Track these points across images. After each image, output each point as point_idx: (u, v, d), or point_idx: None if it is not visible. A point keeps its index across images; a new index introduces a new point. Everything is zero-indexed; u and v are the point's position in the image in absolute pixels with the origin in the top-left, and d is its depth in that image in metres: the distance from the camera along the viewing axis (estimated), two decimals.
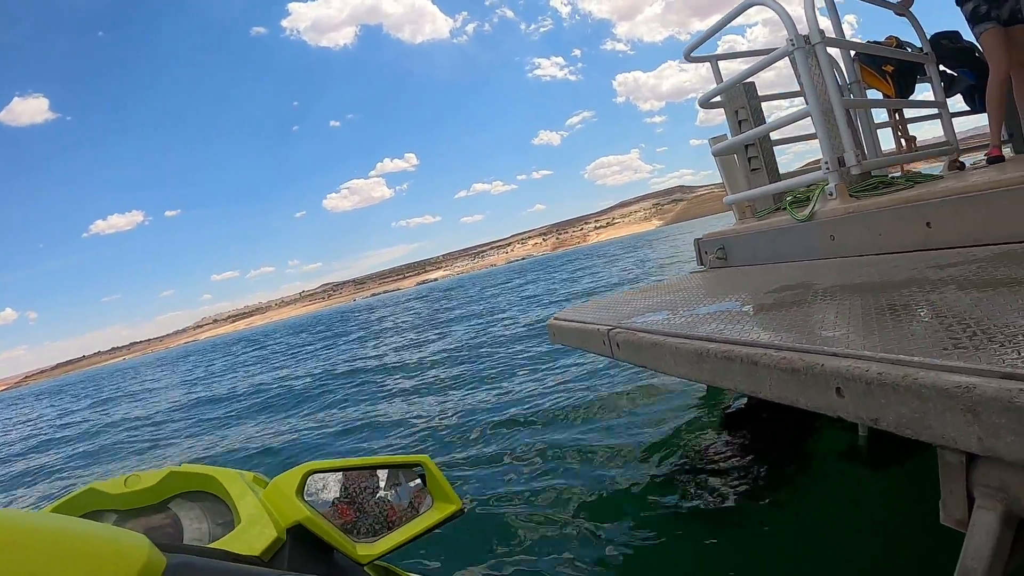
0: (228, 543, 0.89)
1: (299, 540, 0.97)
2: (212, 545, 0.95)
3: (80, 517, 0.84)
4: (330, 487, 1.17)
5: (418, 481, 1.23)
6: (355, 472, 1.20)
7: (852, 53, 5.09)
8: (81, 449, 11.89)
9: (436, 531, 1.15)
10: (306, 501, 1.06)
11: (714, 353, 2.09)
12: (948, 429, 1.32)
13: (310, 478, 1.12)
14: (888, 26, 5.43)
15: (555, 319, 3.96)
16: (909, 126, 5.62)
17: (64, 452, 12.06)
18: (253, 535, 0.91)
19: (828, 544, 2.91)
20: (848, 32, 5.21)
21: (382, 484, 1.22)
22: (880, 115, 5.60)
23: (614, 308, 3.72)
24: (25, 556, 0.39)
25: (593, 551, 3.41)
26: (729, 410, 4.55)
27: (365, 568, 1.06)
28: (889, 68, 5.06)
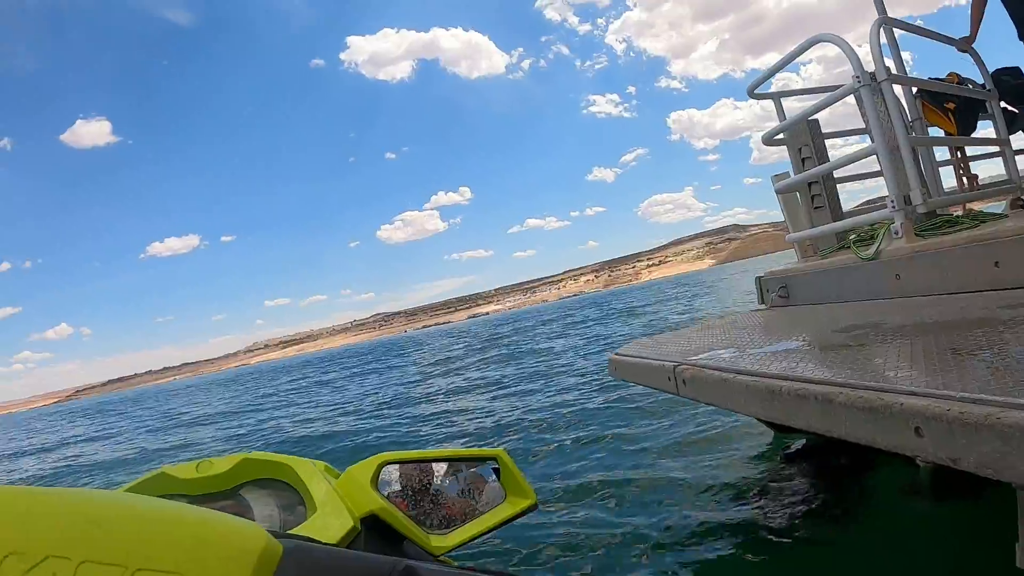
0: (304, 531, 0.88)
1: (373, 530, 0.97)
2: (288, 533, 0.99)
3: None
4: (404, 478, 1.18)
5: (493, 475, 1.22)
6: (429, 463, 1.22)
7: (914, 90, 5.06)
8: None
9: (509, 525, 1.15)
10: (380, 491, 1.06)
11: (787, 391, 2.07)
12: None
13: (384, 468, 1.12)
14: (945, 62, 5.42)
15: (616, 354, 3.94)
16: (971, 163, 5.55)
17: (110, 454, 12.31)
18: (329, 524, 0.91)
19: None
20: (906, 68, 5.19)
21: (457, 476, 1.22)
22: (941, 152, 5.55)
23: (677, 344, 3.71)
24: (146, 540, 0.41)
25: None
26: (788, 450, 4.50)
27: (439, 559, 1.05)
28: (951, 105, 5.01)
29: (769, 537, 3.56)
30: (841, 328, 3.05)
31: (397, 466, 1.17)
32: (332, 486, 1.03)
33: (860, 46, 4.16)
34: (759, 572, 3.27)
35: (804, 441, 4.51)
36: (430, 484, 1.18)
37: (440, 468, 1.21)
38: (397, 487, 1.16)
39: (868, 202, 4.27)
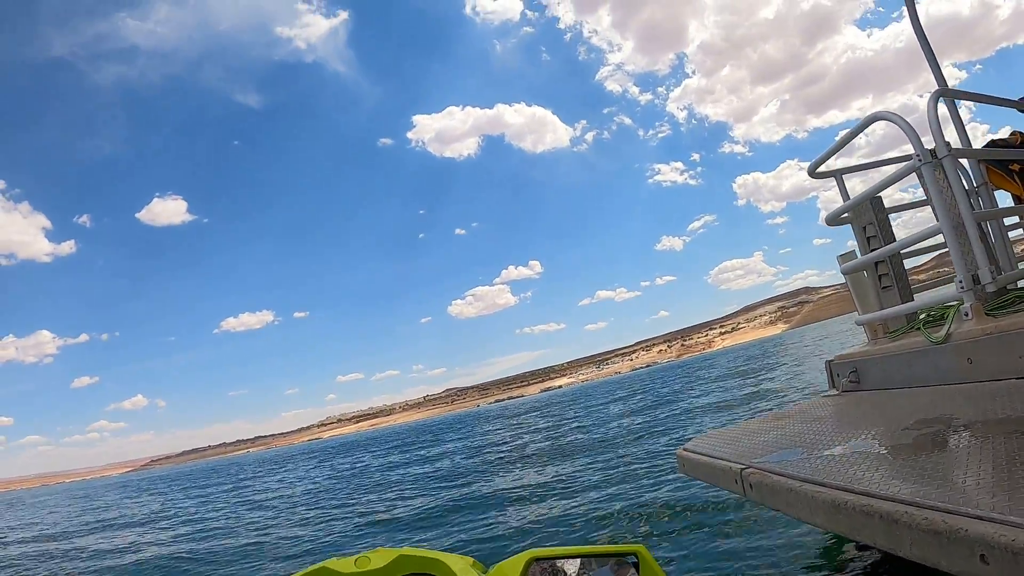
0: None
1: None
2: None
3: None
4: (551, 573, 1.21)
5: (633, 570, 1.24)
6: (574, 559, 1.24)
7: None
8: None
9: None
10: None
11: (852, 506, 2.05)
12: None
13: (533, 565, 1.17)
14: (1010, 116, 5.33)
15: (684, 450, 3.92)
16: None
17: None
18: None
19: None
20: (965, 116, 5.13)
21: (599, 572, 1.24)
22: (1012, 218, 5.43)
23: (745, 440, 3.68)
24: None
25: None
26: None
27: None
28: (1016, 167, 4.92)
29: None
30: (911, 424, 2.98)
31: (545, 562, 1.20)
32: None
33: (921, 95, 4.13)
34: None
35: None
36: None
37: (584, 564, 1.24)
38: None
39: (941, 256, 4.16)
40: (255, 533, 12.76)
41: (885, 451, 2.68)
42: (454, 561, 1.14)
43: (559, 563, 1.22)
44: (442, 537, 8.81)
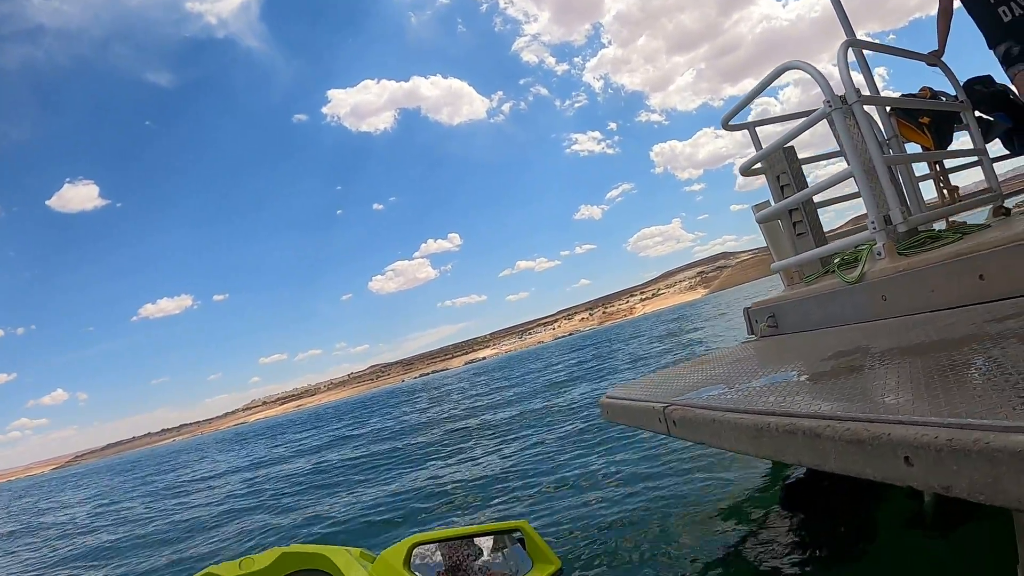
0: None
1: None
2: None
3: None
4: (434, 557, 1.20)
5: (518, 545, 1.26)
6: (457, 541, 1.24)
7: (888, 108, 5.08)
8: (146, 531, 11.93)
9: None
10: (413, 573, 1.11)
11: (774, 427, 2.03)
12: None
13: (415, 550, 1.16)
14: (920, 75, 5.45)
15: (607, 397, 3.90)
16: (950, 175, 5.56)
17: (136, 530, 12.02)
18: None
19: None
20: (880, 84, 5.22)
21: (483, 550, 1.25)
22: (921, 167, 5.57)
23: (667, 383, 3.68)
24: None
25: None
26: (789, 481, 4.43)
27: None
28: (925, 120, 5.03)
29: None
30: (829, 356, 3.01)
31: (427, 547, 1.21)
32: (367, 572, 1.10)
33: (835, 64, 4.18)
34: None
35: (805, 470, 4.45)
36: (460, 561, 1.22)
37: (468, 545, 1.25)
38: (429, 567, 1.19)
39: (856, 219, 4.26)
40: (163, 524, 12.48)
41: (805, 379, 2.70)
42: (337, 554, 1.14)
43: (443, 546, 1.24)
44: (339, 528, 8.69)
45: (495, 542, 1.26)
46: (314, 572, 1.13)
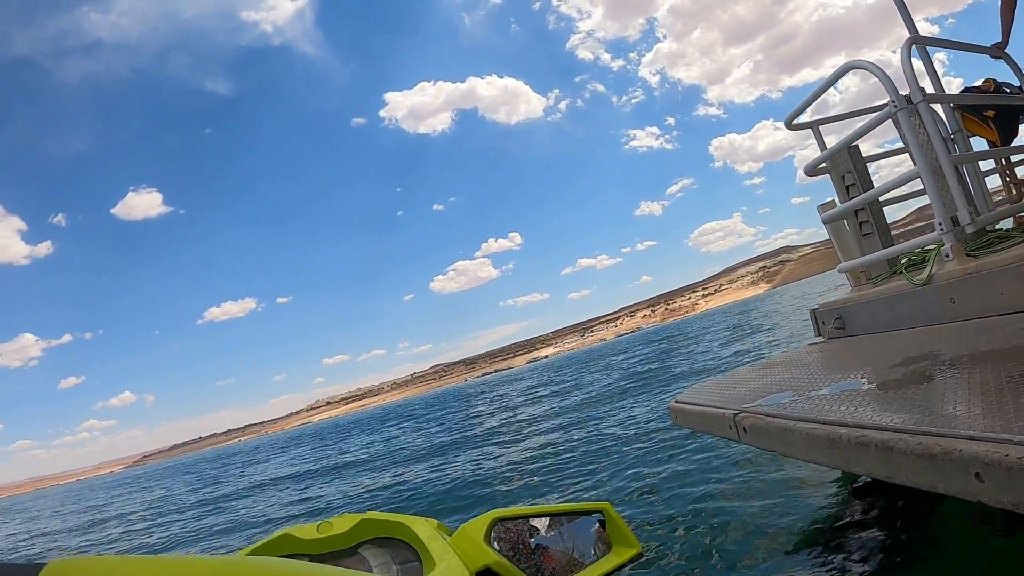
0: None
1: None
2: None
3: None
4: (516, 533, 1.21)
5: (599, 527, 1.26)
6: (539, 519, 1.25)
7: (951, 104, 5.02)
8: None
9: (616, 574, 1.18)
10: (493, 547, 1.11)
11: (847, 439, 2.08)
12: None
13: (497, 525, 1.17)
14: (981, 64, 5.38)
15: (676, 402, 3.95)
16: (1016, 170, 5.45)
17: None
18: None
19: None
20: (940, 70, 5.14)
21: (565, 530, 1.25)
22: (986, 161, 5.48)
23: (736, 388, 3.72)
24: None
25: None
26: (856, 484, 4.43)
27: None
28: (990, 113, 4.96)
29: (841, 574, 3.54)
30: (898, 362, 3.02)
31: (509, 522, 1.21)
32: (447, 543, 1.09)
33: (894, 51, 4.14)
34: None
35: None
36: (541, 539, 1.22)
37: (550, 523, 1.25)
38: (509, 542, 1.19)
39: (920, 210, 4.20)
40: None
41: (875, 387, 2.72)
42: (418, 524, 1.15)
43: (524, 522, 1.23)
44: (415, 503, 8.93)
45: (577, 522, 1.26)
46: (393, 540, 1.15)
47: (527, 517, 1.23)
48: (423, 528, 1.14)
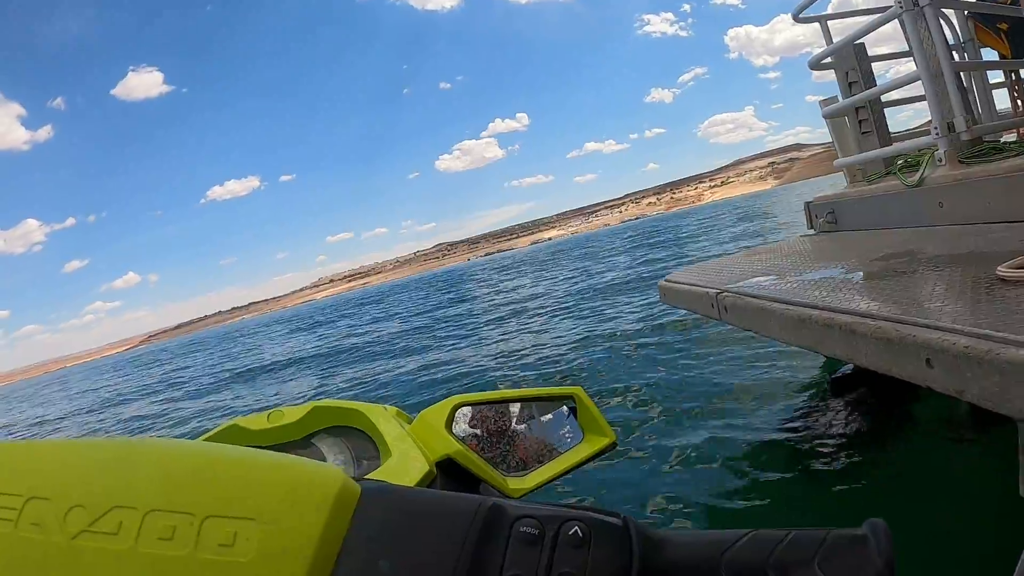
0: (380, 476, 0.83)
1: (449, 474, 0.94)
2: (364, 477, 1.00)
3: None
4: (479, 420, 1.13)
5: (569, 413, 1.16)
6: (504, 404, 1.17)
7: (965, 11, 4.95)
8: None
9: (587, 465, 1.11)
10: (454, 434, 1.02)
11: (815, 320, 2.22)
12: None
13: (458, 411, 1.08)
14: None
15: (665, 280, 4.10)
16: None
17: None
18: (405, 468, 0.88)
19: (911, 502, 3.01)
20: None
21: (532, 416, 1.17)
22: (996, 75, 5.43)
23: (724, 271, 3.85)
24: (215, 486, 0.41)
25: (700, 495, 3.74)
26: (836, 375, 4.61)
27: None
28: (1004, 26, 4.88)
29: (809, 462, 3.79)
30: (880, 256, 3.15)
31: (471, 408, 1.13)
32: (406, 431, 1.02)
33: None
34: (797, 499, 3.48)
35: (852, 366, 4.62)
36: (505, 426, 1.15)
37: (515, 409, 1.18)
38: (471, 430, 1.12)
39: (927, 124, 4.17)
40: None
41: (851, 277, 2.85)
42: (375, 411, 1.08)
43: (489, 408, 1.15)
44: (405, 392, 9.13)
45: (545, 408, 1.17)
46: (346, 428, 1.09)
47: (492, 403, 1.15)
48: (380, 416, 1.07)
